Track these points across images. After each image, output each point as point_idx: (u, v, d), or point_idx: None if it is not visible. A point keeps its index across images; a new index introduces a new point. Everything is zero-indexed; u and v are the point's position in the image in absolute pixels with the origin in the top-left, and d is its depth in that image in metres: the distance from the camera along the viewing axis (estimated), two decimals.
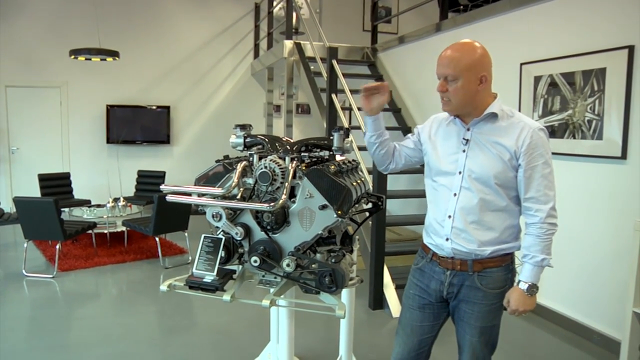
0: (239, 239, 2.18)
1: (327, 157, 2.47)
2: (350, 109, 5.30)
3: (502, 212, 1.82)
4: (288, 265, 2.04)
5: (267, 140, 2.35)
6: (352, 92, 7.52)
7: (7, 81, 7.60)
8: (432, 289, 1.95)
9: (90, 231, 5.35)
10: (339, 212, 2.03)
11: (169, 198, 2.32)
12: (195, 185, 2.37)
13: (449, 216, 1.87)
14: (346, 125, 5.04)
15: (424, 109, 5.62)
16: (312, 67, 6.30)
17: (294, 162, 2.13)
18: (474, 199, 1.82)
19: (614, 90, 3.30)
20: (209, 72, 8.84)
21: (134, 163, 8.04)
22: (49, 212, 4.55)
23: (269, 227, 2.12)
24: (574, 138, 3.62)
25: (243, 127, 2.44)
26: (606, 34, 3.36)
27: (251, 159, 2.26)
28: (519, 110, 4.09)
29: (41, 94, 7.80)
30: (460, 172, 1.86)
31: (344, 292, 2.88)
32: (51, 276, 4.72)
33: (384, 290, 4.10)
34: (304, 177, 2.08)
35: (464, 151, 1.87)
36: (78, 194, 7.29)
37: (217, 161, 2.38)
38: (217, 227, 2.19)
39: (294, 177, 2.13)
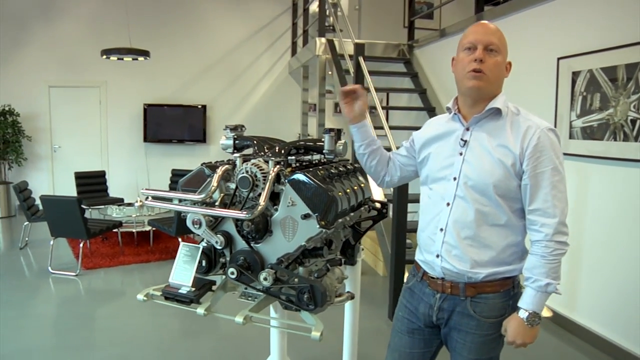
0: (220, 248, 2.04)
1: (323, 160, 2.29)
2: (374, 108, 5.06)
3: (503, 227, 1.56)
4: (265, 279, 1.87)
5: (255, 142, 2.19)
6: (384, 90, 7.30)
7: (51, 81, 7.84)
8: (421, 312, 1.72)
9: (116, 230, 5.38)
10: (322, 222, 1.84)
11: (147, 203, 2.21)
12: (179, 189, 2.26)
13: (441, 229, 1.63)
14: (371, 124, 4.81)
15: None
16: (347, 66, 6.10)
17: (277, 166, 1.96)
18: (469, 211, 1.57)
19: None
20: (245, 71, 8.81)
21: (170, 162, 8.11)
22: (73, 210, 4.59)
23: (250, 237, 1.96)
24: (615, 140, 3.26)
25: (234, 128, 2.29)
26: None
27: (237, 162, 2.12)
28: (556, 111, 3.75)
29: (82, 94, 8.00)
30: (455, 178, 1.61)
31: (348, 304, 2.68)
32: (74, 274, 4.77)
33: None
34: (286, 183, 1.91)
35: (461, 154, 1.62)
36: (115, 192, 7.42)
37: (202, 164, 2.25)
38: (196, 234, 2.08)
39: (278, 182, 1.97)
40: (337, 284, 2.05)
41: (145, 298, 2.09)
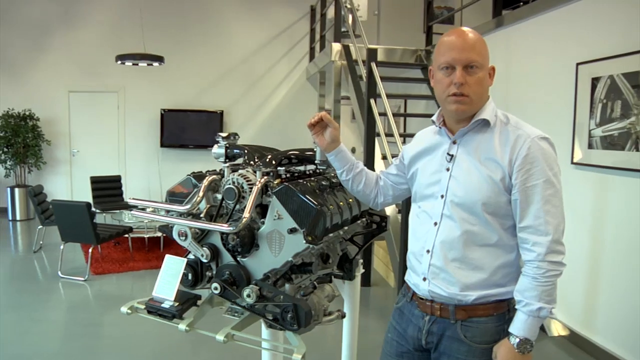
0: (205, 261, 1.96)
1: (318, 171, 2.19)
2: (390, 114, 4.94)
3: (494, 247, 1.44)
4: (249, 295, 1.78)
5: (246, 151, 2.11)
6: (401, 97, 7.16)
7: (70, 86, 7.95)
8: (410, 335, 1.60)
9: (126, 235, 5.37)
10: (309, 237, 1.74)
11: (133, 213, 2.15)
12: (166, 199, 2.19)
13: (427, 251, 1.52)
14: (383, 132, 4.69)
15: None
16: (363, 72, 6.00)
17: (265, 177, 1.87)
18: (456, 231, 1.45)
19: None
20: (263, 76, 8.78)
21: (187, 167, 8.04)
22: (82, 215, 4.59)
23: (235, 250, 1.88)
24: (637, 150, 3.08)
25: (226, 136, 2.22)
26: None
27: (225, 172, 2.04)
28: (574, 119, 3.57)
29: (100, 99, 8.09)
30: (442, 196, 1.50)
31: (347, 321, 2.57)
32: (83, 279, 4.76)
33: None
34: (273, 195, 1.82)
35: (447, 169, 1.50)
36: (131, 196, 7.44)
37: (190, 174, 2.19)
38: (183, 246, 2.01)
39: (265, 194, 1.88)
40: (327, 302, 1.95)
41: (129, 311, 2.02)
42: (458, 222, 1.45)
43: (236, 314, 1.98)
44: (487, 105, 1.47)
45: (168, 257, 2.00)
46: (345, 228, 2.07)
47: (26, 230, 7.04)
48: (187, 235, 1.94)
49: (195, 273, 2.01)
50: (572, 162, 3.60)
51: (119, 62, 6.15)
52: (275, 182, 1.86)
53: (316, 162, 1.98)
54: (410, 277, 1.62)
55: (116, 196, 7.00)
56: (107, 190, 6.90)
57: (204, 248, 1.94)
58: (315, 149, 1.97)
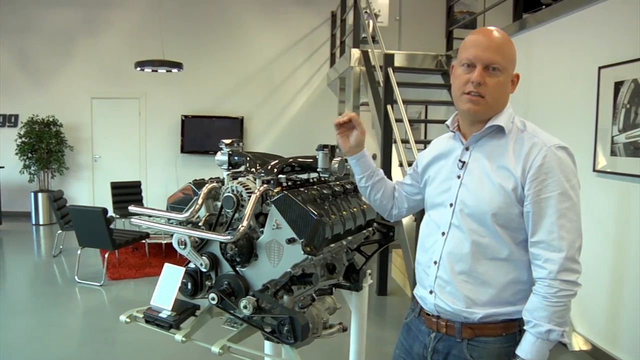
0: (205, 270, 1.92)
1: (324, 179, 2.13)
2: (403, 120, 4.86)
3: (505, 262, 1.36)
4: (245, 307, 1.73)
5: (249, 158, 2.07)
6: (420, 103, 7.04)
7: (93, 93, 8.08)
8: (415, 352, 1.53)
9: (143, 241, 5.39)
10: (308, 248, 1.68)
11: (133, 221, 2.13)
12: (167, 207, 2.17)
13: (435, 262, 1.45)
14: (399, 138, 4.61)
15: None
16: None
17: (265, 185, 1.82)
18: (464, 242, 1.38)
19: None
20: (283, 83, 8.78)
21: (207, 173, 8.02)
22: (98, 221, 4.63)
23: (233, 260, 1.83)
24: None
25: (229, 143, 2.18)
26: None
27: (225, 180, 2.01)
28: (596, 124, 3.44)
29: (122, 105, 8.20)
30: (451, 205, 1.43)
31: (353, 333, 2.49)
32: (99, 284, 4.79)
33: None
34: (271, 205, 1.77)
35: (458, 177, 1.43)
36: (151, 202, 7.51)
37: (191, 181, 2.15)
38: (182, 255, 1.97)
39: (265, 202, 1.83)
40: (328, 315, 1.89)
41: (128, 320, 2.01)
42: (467, 233, 1.38)
43: (235, 325, 1.93)
44: (504, 112, 1.40)
45: (167, 266, 1.97)
46: (349, 238, 2.00)
47: (48, 235, 7.16)
48: (187, 244, 1.91)
49: (195, 282, 1.97)
50: (594, 170, 3.46)
51: (138, 68, 6.21)
52: (276, 191, 1.81)
53: (318, 170, 1.93)
54: (417, 290, 1.56)
55: (136, 202, 7.06)
56: (127, 195, 6.97)
57: (203, 257, 1.91)
58: (317, 156, 1.93)
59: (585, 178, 3.39)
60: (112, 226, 4.81)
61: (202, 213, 1.95)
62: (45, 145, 7.48)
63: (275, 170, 1.95)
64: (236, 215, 1.84)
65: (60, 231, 5.70)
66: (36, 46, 8.01)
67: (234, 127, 8.51)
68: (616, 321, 3.34)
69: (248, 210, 1.75)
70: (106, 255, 5.00)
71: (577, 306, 3.57)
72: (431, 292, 1.46)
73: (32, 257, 6.12)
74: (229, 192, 1.84)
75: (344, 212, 1.93)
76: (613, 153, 3.32)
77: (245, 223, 1.73)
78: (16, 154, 7.47)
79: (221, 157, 2.17)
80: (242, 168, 2.09)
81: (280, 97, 8.77)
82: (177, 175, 7.94)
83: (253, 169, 2.00)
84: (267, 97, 8.72)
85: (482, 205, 1.35)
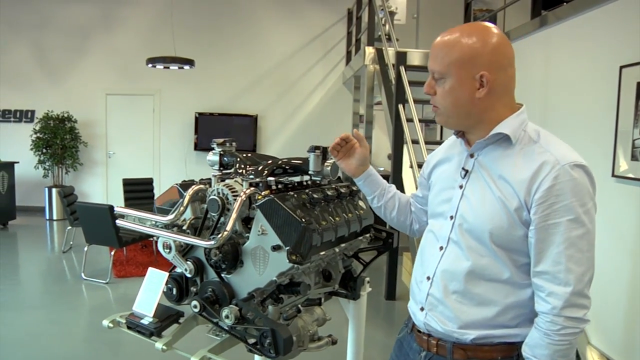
0: (189, 276, 1.84)
1: (318, 182, 2.03)
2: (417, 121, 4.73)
3: (505, 284, 1.22)
4: (227, 316, 1.64)
5: (239, 159, 1.98)
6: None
7: (108, 89, 8.11)
8: None
9: (151, 239, 5.35)
10: (293, 256, 1.58)
11: (119, 223, 2.06)
12: (154, 209, 2.09)
13: (428, 277, 1.33)
14: (409, 139, 4.47)
15: None
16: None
17: (252, 188, 1.73)
18: (462, 260, 1.25)
19: None
20: (298, 81, 8.69)
21: None
22: (105, 218, 4.59)
23: (218, 266, 1.74)
24: None
25: (221, 142, 2.10)
26: None
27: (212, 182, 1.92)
28: (616, 127, 3.26)
29: (136, 102, 8.21)
30: (452, 217, 1.30)
31: (350, 344, 2.38)
32: (105, 282, 4.77)
33: None
34: (257, 209, 1.67)
35: (460, 187, 1.30)
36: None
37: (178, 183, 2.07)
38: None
39: (250, 207, 1.74)
40: (316, 326, 1.78)
41: (111, 325, 1.93)
42: (465, 251, 1.25)
43: (219, 335, 1.84)
44: (511, 118, 1.23)
45: (150, 270, 1.90)
46: (343, 245, 1.90)
47: (61, 230, 7.20)
48: (171, 248, 1.83)
49: (180, 288, 1.89)
50: (613, 175, 3.29)
51: (150, 65, 6.18)
52: (263, 194, 1.72)
53: (310, 172, 1.84)
54: (410, 304, 1.44)
55: (147, 198, 7.04)
56: (139, 192, 6.95)
57: (188, 262, 1.82)
58: (309, 158, 1.83)
59: (603, 183, 3.22)
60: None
61: (189, 216, 1.87)
62: (59, 141, 7.52)
63: (265, 172, 1.85)
64: (222, 219, 1.76)
65: (70, 227, 5.71)
66: (53, 42, 8.07)
67: (248, 125, 8.46)
68: (634, 334, 3.17)
69: (233, 214, 1.66)
70: (112, 253, 4.98)
71: (592, 318, 3.41)
72: (422, 309, 1.34)
73: (42, 252, 6.15)
74: (214, 195, 1.75)
75: (337, 218, 1.82)
76: (634, 157, 3.14)
77: (228, 228, 1.64)
78: (31, 149, 7.53)
79: (212, 157, 2.09)
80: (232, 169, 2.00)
81: (295, 95, 8.69)
82: (189, 172, 7.92)
83: (242, 171, 1.90)
84: (281, 95, 8.65)
85: (482, 221, 1.22)
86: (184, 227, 1.81)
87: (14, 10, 7.99)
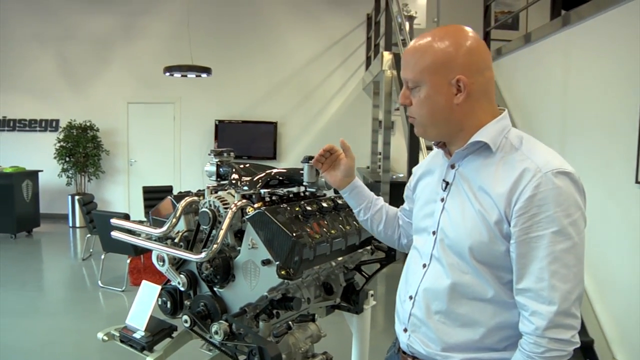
0: (183, 289, 1.81)
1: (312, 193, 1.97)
2: None
3: (489, 303, 1.14)
4: (216, 332, 1.60)
5: (234, 170, 1.94)
6: None
7: (129, 98, 8.22)
8: None
9: None
10: (283, 271, 1.53)
11: (113, 234, 2.05)
12: (149, 220, 2.07)
13: (410, 297, 1.25)
14: (424, 145, 4.38)
15: (537, 129, 4.70)
16: None
17: (243, 200, 1.69)
18: (443, 278, 1.17)
19: None
20: (318, 87, 8.65)
21: None
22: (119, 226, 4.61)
23: (210, 280, 1.70)
24: None
25: (219, 153, 2.07)
26: None
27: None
28: None
29: (157, 110, 8.29)
30: (434, 233, 1.22)
31: (356, 355, 2.31)
32: (121, 289, 4.80)
33: None
34: (247, 222, 1.63)
35: (442, 200, 1.22)
36: None
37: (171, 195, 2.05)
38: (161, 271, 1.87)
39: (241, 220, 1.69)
40: (310, 343, 1.72)
41: (105, 338, 1.91)
42: (447, 268, 1.17)
43: (212, 350, 1.80)
44: (490, 125, 1.15)
45: (144, 283, 1.87)
46: (340, 259, 1.84)
47: (83, 237, 7.28)
48: (165, 261, 1.80)
49: (174, 301, 1.87)
50: (638, 182, 3.14)
51: (167, 74, 6.24)
52: (256, 206, 1.67)
53: (304, 183, 1.78)
54: (396, 325, 1.37)
55: None
56: (159, 200, 6.96)
57: (181, 275, 1.79)
58: (303, 169, 1.77)
59: (626, 190, 3.08)
60: None
61: (183, 228, 1.84)
62: (82, 150, 7.65)
63: (259, 183, 1.81)
64: (214, 232, 1.72)
65: (89, 235, 5.78)
66: (76, 53, 8.22)
67: (268, 132, 8.45)
68: None
69: (224, 227, 1.62)
70: (128, 261, 5.01)
71: (616, 330, 3.26)
72: (405, 330, 1.27)
73: (63, 259, 6.24)
74: (205, 207, 1.72)
75: (332, 231, 1.76)
76: None
77: (218, 241, 1.60)
78: (54, 157, 7.68)
79: (209, 167, 2.07)
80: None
81: (315, 101, 8.65)
82: (203, 181, 7.96)
83: (237, 182, 1.87)
84: (301, 101, 8.62)
85: (461, 237, 1.14)
86: (176, 240, 1.78)
87: (41, 23, 8.19)
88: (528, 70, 4.92)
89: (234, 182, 1.86)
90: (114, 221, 1.98)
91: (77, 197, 7.50)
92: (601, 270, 3.18)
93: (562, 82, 4.03)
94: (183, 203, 1.78)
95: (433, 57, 1.13)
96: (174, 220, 1.75)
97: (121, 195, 8.31)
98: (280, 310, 1.70)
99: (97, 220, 4.83)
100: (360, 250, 1.96)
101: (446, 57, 1.12)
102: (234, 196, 1.75)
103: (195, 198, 1.81)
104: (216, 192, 1.80)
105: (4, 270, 5.42)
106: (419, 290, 1.22)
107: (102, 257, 5.01)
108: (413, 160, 4.51)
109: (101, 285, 4.91)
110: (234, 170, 1.91)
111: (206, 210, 1.69)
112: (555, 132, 4.07)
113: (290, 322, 1.65)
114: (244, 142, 8.44)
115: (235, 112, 8.42)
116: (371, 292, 2.26)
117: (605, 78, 3.57)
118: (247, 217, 1.61)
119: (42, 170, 7.46)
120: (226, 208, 1.68)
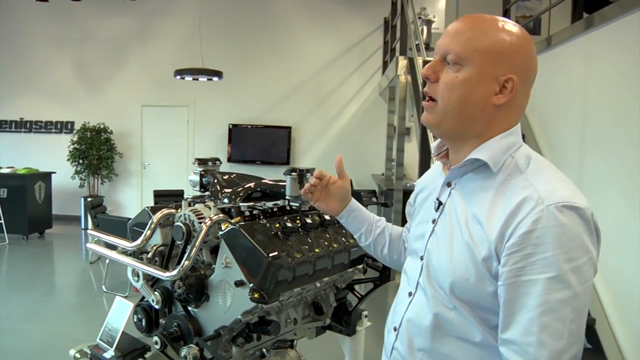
0: (157, 307, 1.70)
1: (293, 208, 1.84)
2: None
3: (478, 348, 0.97)
4: (185, 357, 1.48)
5: (216, 180, 1.83)
6: None
7: (143, 100, 8.22)
8: None
9: None
10: (256, 294, 1.41)
11: (88, 246, 1.95)
12: (128, 232, 1.97)
13: (395, 328, 1.12)
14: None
15: (555, 136, 4.49)
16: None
17: (219, 214, 1.57)
18: (426, 312, 1.03)
19: None
20: (333, 92, 8.52)
21: None
22: (124, 231, 4.56)
23: (184, 299, 1.59)
24: None
25: (203, 161, 1.96)
26: None
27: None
28: None
29: (171, 113, 8.28)
30: (422, 257, 1.08)
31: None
32: (124, 295, 4.72)
33: None
34: (221, 239, 1.51)
35: (433, 221, 1.07)
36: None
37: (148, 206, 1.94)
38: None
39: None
40: None
41: (78, 355, 1.81)
42: (430, 301, 1.02)
43: None
44: (494, 140, 0.98)
45: (117, 300, 1.77)
46: (326, 279, 1.70)
47: (93, 240, 7.31)
48: (140, 276, 1.70)
49: (150, 319, 1.76)
50: None
51: (178, 77, 6.19)
52: (234, 221, 1.55)
53: (287, 197, 1.65)
54: (382, 356, 1.23)
55: None
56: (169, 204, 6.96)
57: (156, 292, 1.68)
58: (286, 182, 1.65)
59: None
60: None
61: (158, 242, 1.74)
62: (95, 152, 7.67)
63: (239, 196, 1.69)
64: (189, 247, 1.60)
65: (97, 238, 5.74)
66: (92, 56, 8.27)
67: (282, 136, 8.36)
68: None
69: (196, 243, 1.51)
70: None
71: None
72: None
73: (72, 262, 6.22)
74: (179, 221, 1.60)
75: (317, 250, 1.63)
76: None
77: (188, 259, 1.49)
78: (68, 159, 7.71)
79: (193, 177, 1.96)
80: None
81: (330, 106, 8.52)
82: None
83: (218, 194, 1.75)
84: (316, 106, 8.50)
85: (444, 269, 0.98)
86: (149, 255, 1.67)
87: (58, 26, 8.26)
88: (548, 76, 4.71)
89: (213, 194, 1.75)
90: (90, 232, 1.88)
91: (86, 200, 7.52)
92: (618, 284, 2.99)
93: (583, 88, 3.84)
94: (158, 215, 1.67)
95: (494, 42, 0.95)
96: (148, 232, 1.65)
97: (134, 199, 8.31)
98: (258, 334, 1.57)
99: (103, 225, 4.79)
100: (350, 270, 1.82)
101: (509, 49, 0.95)
102: (210, 209, 1.63)
103: (173, 210, 1.70)
104: (194, 205, 1.68)
105: (12, 272, 5.43)
106: (403, 321, 1.08)
107: (107, 261, 4.96)
108: (423, 168, 4.36)
109: (105, 290, 4.86)
110: (215, 180, 1.80)
111: (180, 224, 1.58)
112: (574, 140, 3.88)
113: (264, 350, 1.52)
114: (257, 147, 8.36)
115: (249, 115, 8.35)
116: (365, 312, 2.12)
117: (628, 83, 3.36)
118: (220, 233, 1.50)
119: (55, 172, 7.50)
120: (201, 222, 1.57)
